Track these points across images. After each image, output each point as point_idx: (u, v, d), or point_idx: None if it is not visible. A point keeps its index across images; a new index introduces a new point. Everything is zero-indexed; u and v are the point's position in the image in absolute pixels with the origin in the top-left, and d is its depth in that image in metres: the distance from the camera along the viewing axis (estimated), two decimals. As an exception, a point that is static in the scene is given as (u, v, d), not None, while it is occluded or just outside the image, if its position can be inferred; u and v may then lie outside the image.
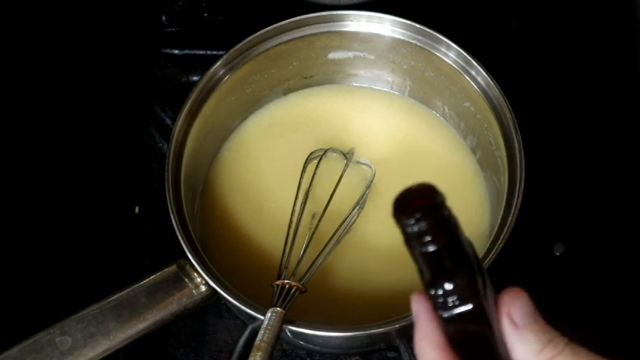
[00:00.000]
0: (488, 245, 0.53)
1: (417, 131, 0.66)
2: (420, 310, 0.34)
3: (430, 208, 0.33)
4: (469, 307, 0.33)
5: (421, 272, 0.34)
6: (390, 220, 0.63)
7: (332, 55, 0.66)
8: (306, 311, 0.54)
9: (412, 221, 0.33)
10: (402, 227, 0.33)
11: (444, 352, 0.34)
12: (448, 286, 0.33)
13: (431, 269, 0.33)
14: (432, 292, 0.33)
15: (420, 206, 0.33)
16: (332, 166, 0.62)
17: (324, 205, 0.58)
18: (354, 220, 0.60)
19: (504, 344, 0.34)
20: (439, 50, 0.61)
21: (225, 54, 0.61)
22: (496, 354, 0.34)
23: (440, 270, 0.33)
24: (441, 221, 0.33)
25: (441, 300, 0.33)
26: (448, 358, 0.34)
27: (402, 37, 0.62)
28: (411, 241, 0.33)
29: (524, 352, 0.34)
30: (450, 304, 0.33)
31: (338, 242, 0.58)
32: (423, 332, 0.34)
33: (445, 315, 0.33)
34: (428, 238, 0.33)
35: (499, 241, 0.52)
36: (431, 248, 0.33)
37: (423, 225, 0.33)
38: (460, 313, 0.33)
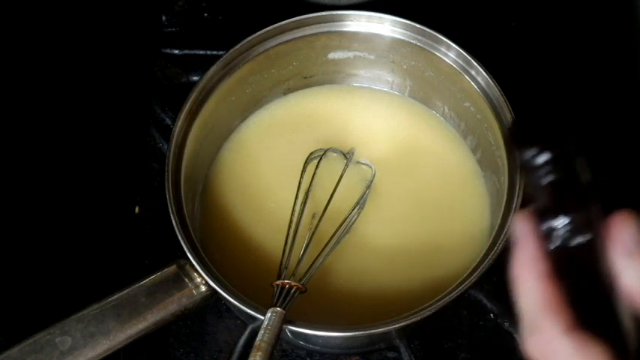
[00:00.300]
0: (488, 245, 0.53)
1: (417, 131, 0.66)
2: (526, 231, 0.32)
3: (564, 137, 0.32)
4: (583, 239, 0.31)
5: (532, 200, 0.32)
6: (389, 220, 0.63)
7: (332, 55, 0.66)
8: (306, 311, 0.54)
9: (546, 153, 0.31)
10: (520, 156, 0.32)
11: (546, 283, 0.31)
12: (565, 220, 0.31)
13: (551, 199, 0.32)
14: (547, 224, 0.32)
15: (552, 134, 0.32)
16: (332, 166, 0.62)
17: (324, 205, 0.58)
18: (354, 220, 0.60)
19: (611, 273, 0.32)
20: (439, 50, 0.61)
21: (225, 54, 0.61)
22: (602, 286, 0.32)
23: (560, 202, 0.31)
24: (571, 154, 0.32)
25: (555, 231, 0.31)
26: (550, 289, 0.31)
27: (402, 37, 0.62)
28: (533, 169, 0.32)
29: (634, 279, 0.31)
30: (564, 236, 0.31)
31: (338, 242, 0.58)
32: (526, 258, 0.31)
33: (556, 245, 0.31)
34: (552, 169, 0.32)
35: (499, 241, 0.52)
36: (554, 178, 0.31)
37: (552, 156, 0.31)
38: (574, 245, 0.31)
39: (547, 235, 0.32)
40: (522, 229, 0.32)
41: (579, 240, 0.31)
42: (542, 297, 0.31)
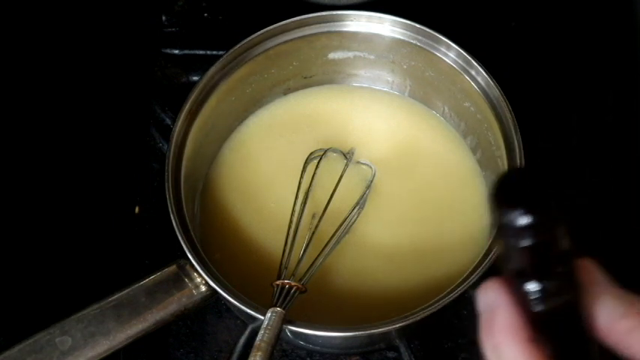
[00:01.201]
0: (488, 245, 0.53)
1: (417, 131, 0.66)
2: (503, 298, 0.31)
3: (541, 201, 0.31)
4: (562, 300, 0.31)
5: (508, 262, 0.31)
6: (389, 220, 0.63)
7: (332, 55, 0.66)
8: (306, 311, 0.54)
9: (521, 214, 0.30)
10: (502, 215, 0.30)
11: (532, 348, 0.30)
12: (542, 284, 0.30)
13: (529, 263, 0.31)
14: (524, 288, 0.31)
15: (529, 197, 0.30)
16: (332, 166, 0.62)
17: (324, 205, 0.58)
18: (354, 220, 0.60)
19: (590, 323, 0.32)
20: (439, 50, 0.61)
21: (225, 54, 0.61)
22: (587, 343, 0.31)
23: (538, 266, 0.30)
24: (551, 217, 0.31)
25: (534, 295, 0.30)
26: (536, 354, 0.30)
27: (402, 37, 0.62)
28: (513, 231, 0.30)
29: (606, 318, 0.31)
30: (544, 300, 0.30)
31: (338, 242, 0.58)
32: (507, 324, 0.31)
33: (536, 309, 0.31)
34: (533, 232, 0.30)
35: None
36: (534, 242, 0.30)
37: (531, 219, 0.30)
38: (554, 307, 0.31)
39: (525, 300, 0.31)
40: (498, 295, 0.31)
41: (558, 302, 0.31)
42: None
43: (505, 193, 0.31)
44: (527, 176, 0.31)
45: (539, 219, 0.30)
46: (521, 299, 0.31)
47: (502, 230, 0.31)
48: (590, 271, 0.32)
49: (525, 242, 0.30)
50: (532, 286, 0.30)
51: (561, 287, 0.31)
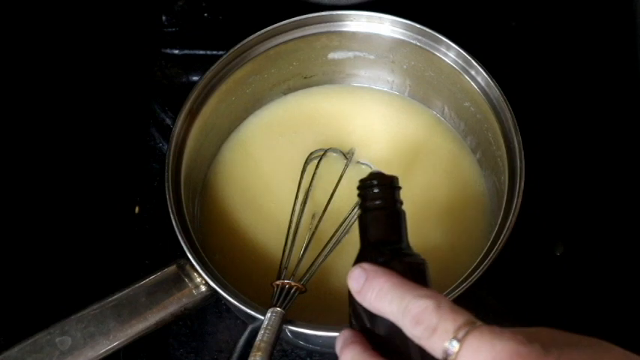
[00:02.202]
0: (488, 245, 0.53)
1: (417, 131, 0.66)
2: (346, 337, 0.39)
3: (387, 185, 0.43)
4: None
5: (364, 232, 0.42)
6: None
7: (332, 55, 0.66)
8: (306, 311, 0.54)
9: (372, 184, 0.42)
10: (362, 191, 0.43)
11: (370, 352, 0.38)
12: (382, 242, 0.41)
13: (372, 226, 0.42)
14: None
15: (379, 179, 0.43)
16: (332, 166, 0.62)
17: (324, 205, 0.58)
18: (354, 220, 0.60)
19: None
20: (439, 50, 0.61)
21: (225, 54, 0.61)
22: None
23: (377, 227, 0.42)
24: (392, 193, 0.43)
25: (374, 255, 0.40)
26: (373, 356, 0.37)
27: (402, 37, 0.62)
28: (366, 202, 0.42)
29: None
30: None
31: (338, 242, 0.58)
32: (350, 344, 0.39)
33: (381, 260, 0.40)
34: (378, 202, 0.42)
35: (499, 241, 0.52)
36: (378, 204, 0.42)
37: (377, 190, 0.42)
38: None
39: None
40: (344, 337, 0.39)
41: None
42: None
43: (364, 180, 0.43)
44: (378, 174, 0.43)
45: (377, 191, 0.42)
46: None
47: (361, 206, 0.43)
48: (352, 274, 0.39)
49: (369, 204, 0.42)
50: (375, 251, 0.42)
51: (390, 250, 0.41)
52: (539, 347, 0.33)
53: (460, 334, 0.33)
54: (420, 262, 0.41)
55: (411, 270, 0.39)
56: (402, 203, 0.43)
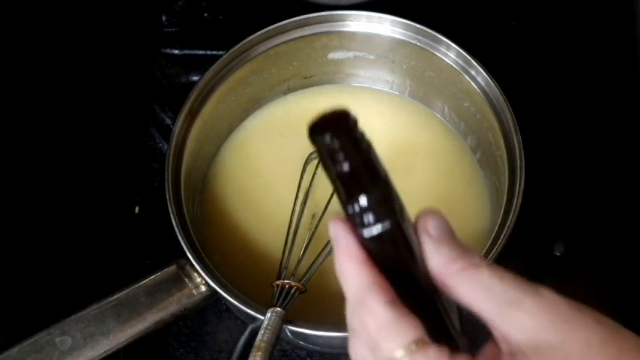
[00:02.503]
0: (488, 245, 0.53)
1: (417, 131, 0.66)
2: (339, 230, 0.35)
3: (342, 128, 0.35)
4: (387, 225, 0.34)
5: (339, 194, 0.35)
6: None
7: (332, 55, 0.66)
8: (306, 311, 0.54)
9: (326, 140, 0.34)
10: (318, 149, 0.35)
11: (365, 266, 0.35)
12: (363, 202, 0.34)
13: (345, 187, 0.34)
14: (350, 211, 0.34)
15: (332, 126, 0.35)
16: (332, 166, 0.62)
17: (324, 205, 0.58)
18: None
19: (422, 260, 0.35)
20: (439, 50, 0.61)
21: (225, 54, 0.61)
22: (414, 270, 0.35)
23: (355, 186, 0.34)
24: (354, 140, 0.35)
25: (358, 218, 0.34)
26: (369, 271, 0.34)
27: (402, 37, 0.62)
28: (326, 161, 0.35)
29: (438, 261, 0.34)
30: (368, 223, 0.34)
31: (338, 242, 0.58)
32: (343, 249, 0.35)
33: (365, 234, 0.34)
34: (341, 157, 0.34)
35: (499, 241, 0.52)
36: (345, 167, 0.34)
37: (335, 143, 0.34)
38: (379, 232, 0.34)
39: (356, 225, 0.34)
40: (336, 228, 0.35)
41: (384, 226, 0.34)
42: (364, 278, 0.35)
43: (312, 130, 0.36)
44: (328, 114, 0.36)
45: (341, 142, 0.34)
46: (353, 225, 0.35)
47: (323, 165, 0.35)
48: (430, 216, 0.36)
49: (334, 168, 0.34)
50: (352, 210, 0.34)
51: (379, 211, 0.34)
52: None
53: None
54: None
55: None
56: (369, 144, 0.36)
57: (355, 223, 0.34)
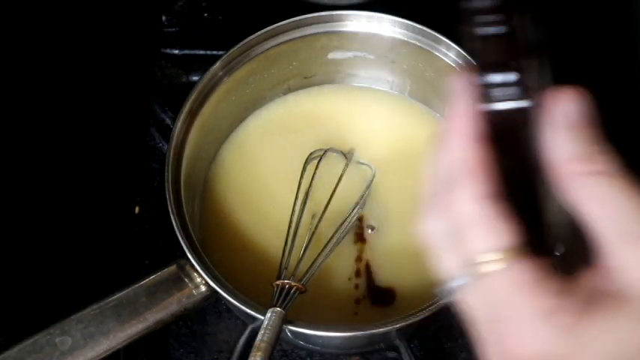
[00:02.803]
0: (488, 245, 0.53)
1: (417, 131, 0.66)
2: (464, 87, 0.29)
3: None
4: (522, 103, 0.29)
5: (473, 55, 0.30)
6: (389, 220, 0.63)
7: (332, 55, 0.66)
8: (306, 311, 0.54)
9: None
10: (468, 14, 0.29)
11: (475, 143, 0.29)
12: (504, 77, 0.29)
13: (491, 53, 0.29)
14: (485, 79, 0.29)
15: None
16: (332, 166, 0.62)
17: (324, 205, 0.58)
18: (354, 221, 0.60)
19: (544, 145, 0.29)
20: (439, 50, 0.61)
21: (225, 54, 0.61)
22: (529, 165, 0.29)
23: (500, 56, 0.29)
24: (517, 6, 0.29)
25: (492, 89, 0.29)
26: (477, 150, 0.28)
27: (402, 37, 0.62)
28: (475, 18, 0.29)
29: (565, 153, 0.28)
30: (501, 96, 0.29)
31: (338, 242, 0.58)
32: (459, 114, 0.29)
33: (492, 106, 0.29)
34: (495, 19, 0.29)
35: (499, 241, 0.52)
36: (497, 30, 0.29)
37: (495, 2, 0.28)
38: (511, 108, 0.29)
39: (484, 93, 0.29)
40: (460, 84, 0.29)
41: (517, 103, 0.29)
42: (466, 156, 0.29)
43: None
44: None
45: (497, 2, 0.29)
46: (480, 92, 0.29)
47: (465, 18, 0.29)
48: (571, 99, 0.29)
49: (486, 30, 0.29)
50: (491, 78, 0.29)
51: (520, 86, 0.29)
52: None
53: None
54: None
55: None
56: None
57: (484, 88, 0.29)
